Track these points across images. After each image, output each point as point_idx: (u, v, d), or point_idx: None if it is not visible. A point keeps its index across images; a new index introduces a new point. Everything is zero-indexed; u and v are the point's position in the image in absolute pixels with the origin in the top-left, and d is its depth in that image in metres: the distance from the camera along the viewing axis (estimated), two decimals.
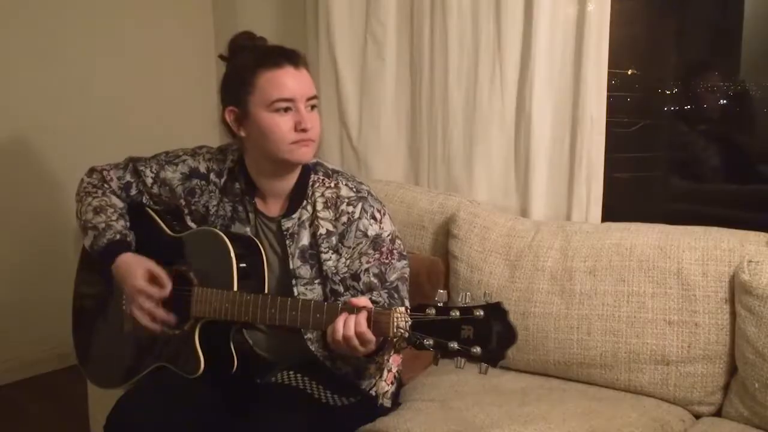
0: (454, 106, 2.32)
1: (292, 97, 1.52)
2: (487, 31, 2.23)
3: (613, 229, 1.90)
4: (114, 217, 1.71)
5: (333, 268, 1.58)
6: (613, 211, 2.17)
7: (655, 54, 2.57)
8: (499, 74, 2.23)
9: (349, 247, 1.58)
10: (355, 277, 1.57)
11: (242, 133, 1.59)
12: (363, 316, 1.33)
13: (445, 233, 2.10)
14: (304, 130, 1.52)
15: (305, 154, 1.56)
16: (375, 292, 1.55)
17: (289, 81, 1.53)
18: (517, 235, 1.99)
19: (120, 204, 1.75)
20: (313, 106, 1.57)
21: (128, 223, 1.74)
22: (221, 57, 1.64)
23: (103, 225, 1.68)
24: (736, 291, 1.67)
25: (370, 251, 1.58)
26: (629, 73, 2.51)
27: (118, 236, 1.67)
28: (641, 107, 2.57)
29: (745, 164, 2.46)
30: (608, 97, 2.09)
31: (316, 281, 1.60)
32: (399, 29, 2.44)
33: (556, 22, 2.11)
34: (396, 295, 1.56)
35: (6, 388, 2.87)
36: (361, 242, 1.58)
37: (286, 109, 1.52)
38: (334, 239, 1.59)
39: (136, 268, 1.62)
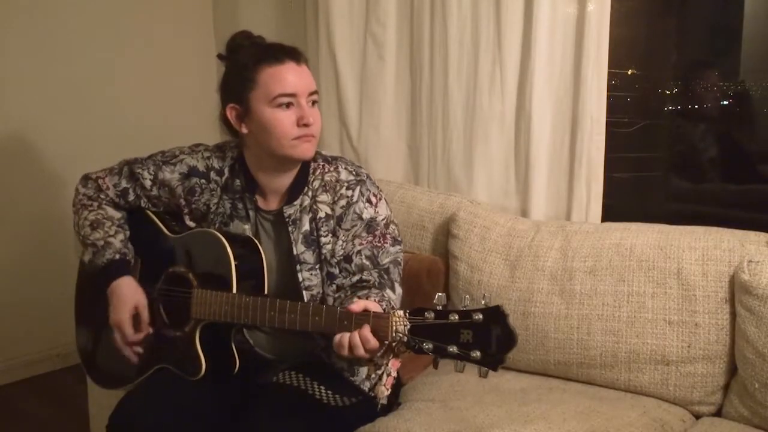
0: (454, 106, 2.32)
1: (294, 92, 1.52)
2: (487, 31, 2.23)
3: (613, 229, 1.90)
4: (112, 232, 1.70)
5: (330, 251, 1.59)
6: (613, 211, 2.18)
7: (655, 54, 2.57)
8: (499, 74, 2.23)
9: (346, 230, 1.59)
10: (348, 258, 1.57)
11: (244, 130, 1.59)
12: (367, 330, 1.32)
13: (445, 233, 2.10)
14: (306, 125, 1.53)
15: (307, 150, 1.56)
16: (366, 272, 1.55)
17: (291, 76, 1.53)
18: (517, 235, 1.99)
19: (117, 215, 1.75)
20: (314, 102, 1.57)
21: (128, 234, 1.73)
22: (219, 56, 1.64)
23: (102, 242, 1.68)
24: (736, 291, 1.67)
25: (364, 234, 1.58)
26: (629, 73, 2.51)
27: (117, 256, 1.67)
28: (641, 107, 2.57)
29: (745, 164, 2.46)
30: (608, 97, 2.09)
31: (318, 266, 1.60)
32: (399, 29, 2.44)
33: (556, 22, 2.11)
34: (386, 277, 1.56)
35: (6, 388, 2.87)
36: (356, 225, 1.59)
37: (288, 105, 1.53)
38: (332, 222, 1.60)
39: (126, 301, 1.63)
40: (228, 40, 1.62)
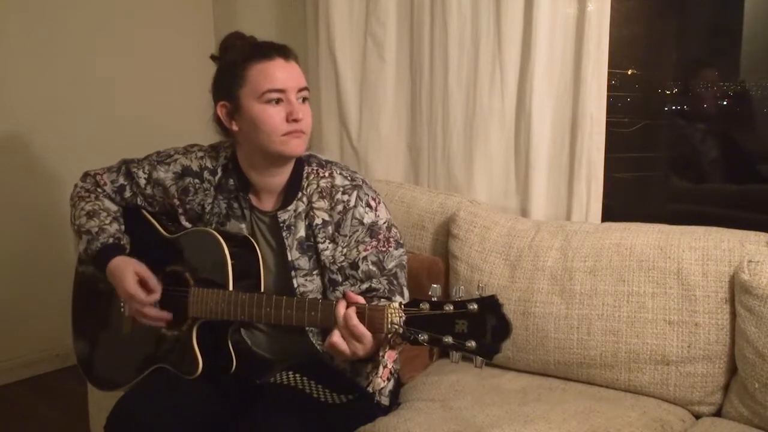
0: (454, 106, 2.32)
1: (284, 87, 1.52)
2: (487, 31, 2.23)
3: (613, 229, 1.90)
4: (107, 221, 1.71)
5: (330, 257, 1.58)
6: (613, 211, 2.17)
7: (655, 54, 2.56)
8: (499, 74, 2.23)
9: (346, 236, 1.58)
10: (354, 265, 1.57)
11: (235, 128, 1.59)
12: (353, 310, 1.32)
13: (445, 233, 2.10)
14: (296, 120, 1.52)
15: (297, 147, 1.55)
16: (374, 280, 1.55)
17: (280, 72, 1.53)
18: (517, 235, 1.99)
19: (113, 207, 1.75)
20: (304, 98, 1.57)
21: (123, 226, 1.74)
22: (212, 57, 1.65)
23: (96, 229, 1.69)
24: (736, 291, 1.67)
25: (367, 239, 1.58)
26: (629, 73, 2.51)
27: (111, 240, 1.68)
28: (641, 107, 2.57)
29: (745, 164, 2.46)
30: (608, 97, 2.09)
31: (315, 272, 1.60)
32: (399, 29, 2.44)
33: (556, 22, 2.11)
34: (395, 282, 1.56)
35: (6, 388, 2.87)
36: (358, 230, 1.58)
37: (278, 101, 1.53)
38: (330, 228, 1.59)
39: (126, 271, 1.62)
40: (220, 42, 1.63)
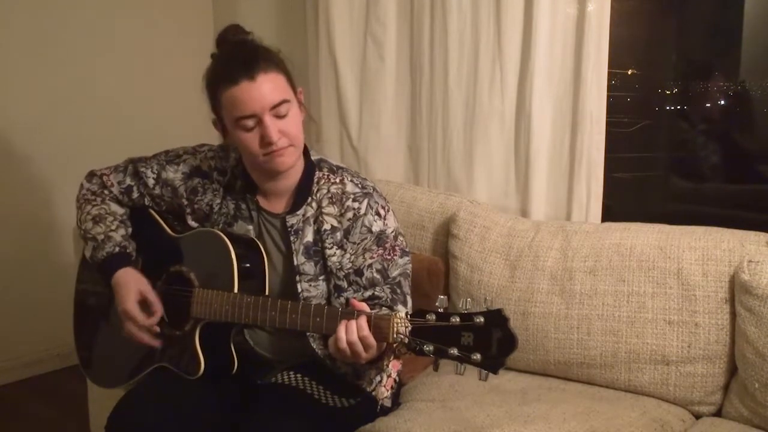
0: (454, 106, 2.32)
1: (253, 113, 1.47)
2: (487, 31, 2.23)
3: (613, 229, 1.90)
4: (113, 227, 1.70)
5: (337, 263, 1.58)
6: (613, 211, 2.18)
7: (655, 54, 2.57)
8: (499, 74, 2.23)
9: (354, 243, 1.58)
10: (359, 272, 1.57)
11: (228, 140, 1.59)
12: (363, 320, 1.33)
13: (445, 233, 2.10)
14: (270, 143, 1.49)
15: (281, 163, 1.53)
16: (378, 288, 1.55)
17: (246, 96, 1.46)
18: (517, 235, 1.99)
19: (120, 211, 1.75)
20: (280, 112, 1.50)
21: (130, 230, 1.73)
22: (212, 56, 1.64)
23: (102, 236, 1.68)
24: (736, 291, 1.67)
25: (374, 247, 1.57)
26: (629, 73, 2.51)
27: (117, 249, 1.67)
28: (641, 107, 2.57)
29: (744, 164, 2.46)
30: (608, 97, 2.09)
31: (321, 277, 1.60)
32: (399, 29, 2.44)
33: (556, 22, 2.11)
34: (398, 291, 1.56)
35: (6, 388, 2.87)
36: (366, 238, 1.58)
37: (252, 125, 1.49)
38: (338, 235, 1.59)
39: (129, 289, 1.62)
40: (217, 36, 1.59)
